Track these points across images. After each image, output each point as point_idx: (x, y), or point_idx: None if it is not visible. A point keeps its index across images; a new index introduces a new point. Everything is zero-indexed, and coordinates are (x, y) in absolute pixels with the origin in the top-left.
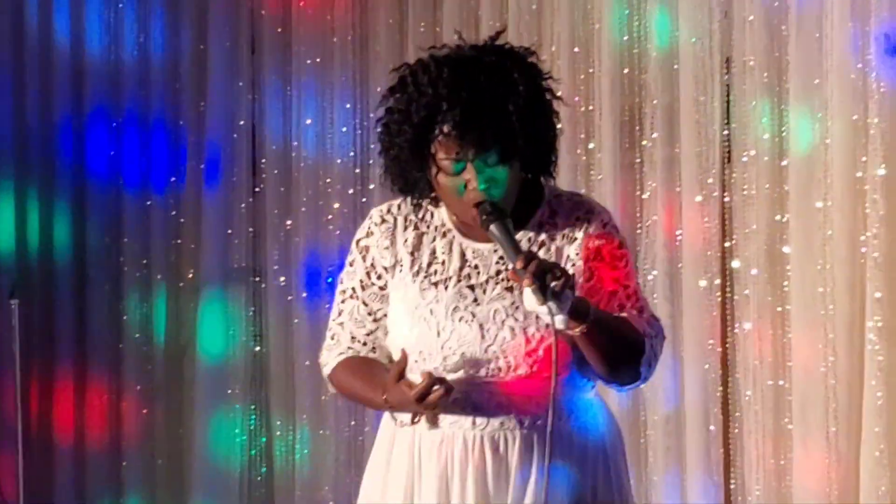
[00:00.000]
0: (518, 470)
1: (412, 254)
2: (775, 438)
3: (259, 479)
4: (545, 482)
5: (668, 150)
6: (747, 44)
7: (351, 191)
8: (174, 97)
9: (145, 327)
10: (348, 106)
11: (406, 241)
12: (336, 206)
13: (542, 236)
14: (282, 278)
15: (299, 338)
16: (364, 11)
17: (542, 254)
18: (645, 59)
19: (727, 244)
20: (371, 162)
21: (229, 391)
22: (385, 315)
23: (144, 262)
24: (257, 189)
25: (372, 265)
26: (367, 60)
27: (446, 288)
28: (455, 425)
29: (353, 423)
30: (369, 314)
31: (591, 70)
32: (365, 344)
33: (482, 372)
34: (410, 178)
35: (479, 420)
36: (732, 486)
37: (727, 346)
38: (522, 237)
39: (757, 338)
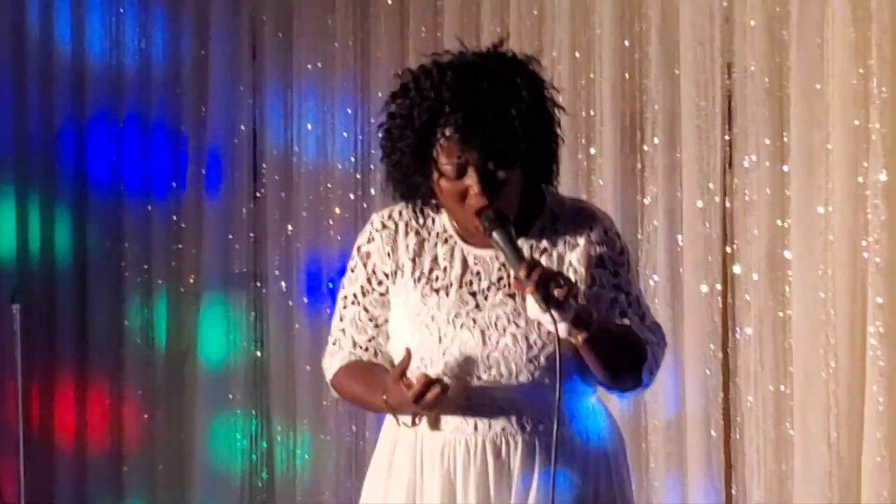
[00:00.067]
0: (520, 475)
1: (413, 260)
2: (776, 444)
3: (260, 484)
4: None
5: (669, 156)
6: (748, 49)
7: (352, 196)
8: (175, 102)
9: (146, 332)
10: (349, 111)
11: (407, 246)
12: (337, 211)
13: (544, 243)
14: (282, 283)
15: (300, 343)
16: (365, 17)
17: (544, 260)
18: (646, 65)
19: (728, 249)
20: (372, 167)
21: (230, 396)
22: (386, 321)
23: (145, 266)
24: (258, 194)
25: (373, 271)
26: (368, 66)
27: (448, 294)
28: (457, 430)
29: (353, 428)
30: (370, 320)
31: (591, 75)
32: (366, 350)
33: (483, 378)
34: (412, 183)
35: (480, 425)
36: (733, 492)
37: (728, 351)
38: (524, 244)
39: (758, 343)
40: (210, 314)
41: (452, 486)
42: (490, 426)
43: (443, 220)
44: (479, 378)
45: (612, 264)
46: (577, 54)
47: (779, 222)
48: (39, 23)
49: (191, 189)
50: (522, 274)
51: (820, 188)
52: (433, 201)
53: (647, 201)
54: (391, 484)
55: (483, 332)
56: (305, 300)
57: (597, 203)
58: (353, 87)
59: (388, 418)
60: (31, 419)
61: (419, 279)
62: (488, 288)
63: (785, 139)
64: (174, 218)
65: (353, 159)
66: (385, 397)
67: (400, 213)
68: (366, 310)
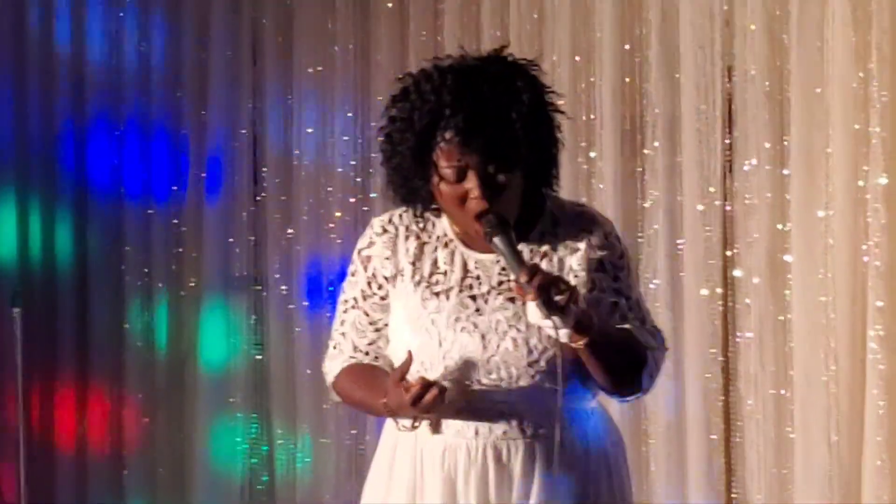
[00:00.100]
0: (521, 478)
1: (414, 264)
2: (777, 447)
3: (260, 487)
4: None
5: (669, 159)
6: (749, 52)
7: (352, 199)
8: (175, 106)
9: (147, 335)
10: (349, 114)
11: (408, 250)
12: (337, 214)
13: (545, 247)
14: (283, 287)
15: (300, 346)
16: (365, 20)
17: (544, 265)
18: (646, 68)
19: (729, 253)
20: (372, 170)
21: (231, 399)
22: (387, 324)
23: (146, 270)
24: (258, 197)
25: (373, 275)
26: (368, 69)
27: (448, 298)
28: (458, 435)
29: (354, 431)
30: (371, 324)
31: (592, 79)
32: (367, 353)
33: (484, 382)
34: (412, 187)
35: (481, 429)
36: (734, 496)
37: (729, 354)
38: (524, 248)
39: (758, 346)
40: (210, 317)
41: (453, 490)
42: (491, 430)
43: (443, 224)
44: (479, 382)
45: (613, 268)
46: (578, 58)
47: (779, 226)
48: (40, 25)
49: (191, 192)
50: (524, 279)
51: (820, 192)
52: (433, 205)
53: (647, 205)
54: (392, 487)
55: (483, 337)
56: (306, 303)
57: (597, 206)
58: (354, 90)
59: (389, 421)
60: (32, 422)
61: (419, 283)
62: (488, 292)
63: (785, 142)
64: (175, 221)
65: (353, 162)
66: (385, 400)
67: (400, 216)
68: (366, 314)
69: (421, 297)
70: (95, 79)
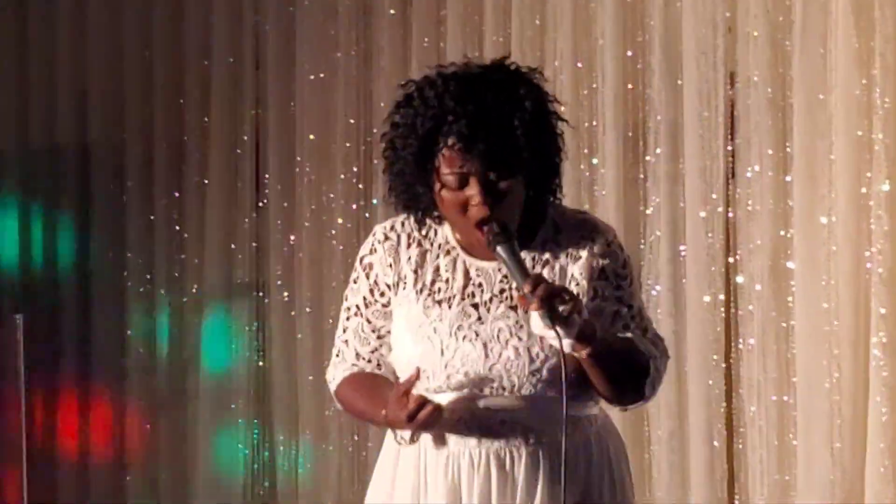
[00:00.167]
0: (525, 486)
1: (416, 271)
2: (779, 454)
3: (262, 493)
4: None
5: (671, 166)
6: (751, 59)
7: (354, 206)
8: (178, 112)
9: (149, 342)
10: (352, 121)
11: (409, 258)
12: (339, 221)
13: (547, 255)
14: (285, 293)
15: (302, 353)
16: (367, 27)
17: (546, 273)
18: (648, 74)
19: (731, 259)
20: (374, 177)
21: (232, 406)
22: (389, 332)
23: (148, 276)
24: (260, 204)
25: (375, 282)
26: (371, 76)
27: (450, 306)
28: (460, 443)
29: (356, 437)
30: (373, 331)
31: (594, 85)
32: (369, 361)
33: (486, 390)
34: (414, 193)
35: (484, 438)
36: (736, 502)
37: (731, 361)
38: (527, 256)
39: (761, 353)
40: (212, 324)
41: (458, 498)
42: (493, 439)
43: (445, 232)
44: (481, 390)
45: (615, 277)
46: (580, 64)
47: (782, 232)
48: (42, 30)
49: (193, 198)
50: (527, 290)
51: (823, 198)
52: (435, 212)
53: (649, 211)
54: (395, 495)
55: (485, 345)
56: (308, 310)
57: (599, 213)
58: (356, 96)
59: (390, 431)
60: (35, 428)
61: (421, 291)
62: (490, 300)
63: (788, 149)
64: (177, 228)
65: (355, 169)
66: (385, 412)
67: (402, 224)
68: (368, 321)
69: (423, 305)
70: (98, 85)
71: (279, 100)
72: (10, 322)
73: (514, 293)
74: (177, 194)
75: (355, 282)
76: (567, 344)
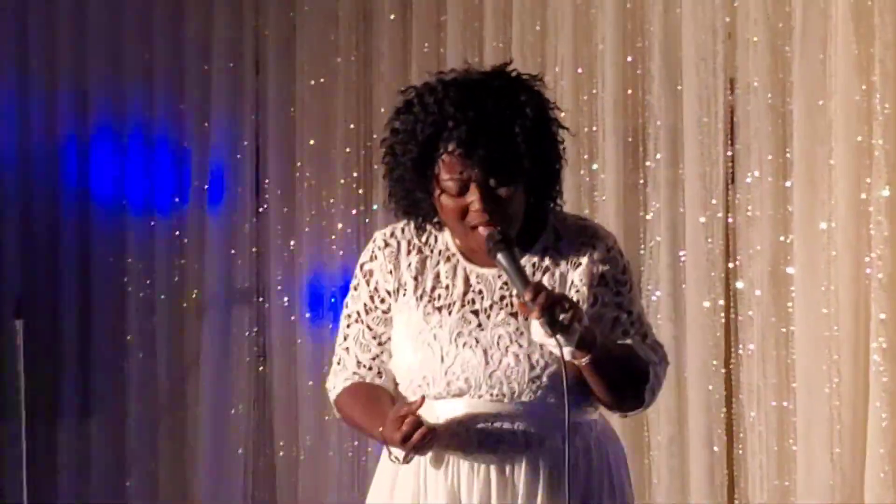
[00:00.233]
0: (524, 492)
1: (416, 278)
2: (779, 460)
3: (262, 499)
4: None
5: (671, 171)
6: (751, 64)
7: (354, 211)
8: (178, 117)
9: (149, 347)
10: (352, 126)
11: (410, 264)
12: (339, 226)
13: (547, 261)
14: (285, 298)
15: (302, 358)
16: (367, 32)
17: (546, 279)
18: (648, 80)
19: (731, 265)
20: (374, 182)
21: (232, 411)
22: (390, 338)
23: (148, 281)
24: (261, 209)
25: (375, 289)
26: (371, 81)
27: (450, 313)
28: (460, 449)
29: (356, 443)
30: (374, 338)
31: (594, 91)
32: (370, 368)
33: (486, 397)
34: (414, 199)
35: (484, 444)
36: None
37: (731, 367)
38: (527, 262)
39: (761, 359)
40: (212, 329)
41: (457, 503)
42: (493, 445)
43: (445, 238)
44: (481, 397)
45: (615, 283)
46: (580, 70)
47: (781, 238)
48: (42, 35)
49: (194, 204)
50: (528, 297)
51: (823, 204)
52: (435, 219)
53: (649, 217)
54: (395, 501)
55: (485, 352)
56: (308, 315)
57: (599, 218)
58: (356, 102)
59: None
60: (35, 432)
61: (421, 297)
62: (490, 307)
63: (788, 155)
64: (177, 233)
65: (355, 174)
66: (382, 429)
67: (402, 230)
68: (369, 328)
69: (423, 311)
70: (98, 90)
71: (279, 104)
72: (10, 327)
73: (515, 300)
74: (177, 199)
75: (356, 289)
76: (567, 352)
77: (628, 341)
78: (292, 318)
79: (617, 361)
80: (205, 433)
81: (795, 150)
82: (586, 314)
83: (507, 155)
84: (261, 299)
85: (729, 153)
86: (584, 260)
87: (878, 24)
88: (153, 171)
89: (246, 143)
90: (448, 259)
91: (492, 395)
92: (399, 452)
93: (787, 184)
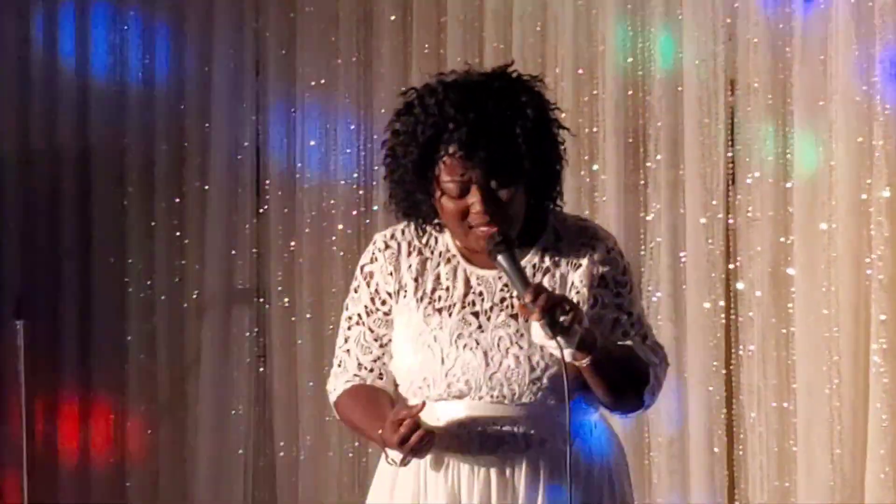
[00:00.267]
0: (525, 493)
1: (416, 279)
2: (780, 460)
3: (262, 499)
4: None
5: (672, 172)
6: (751, 66)
7: (355, 212)
8: (179, 119)
9: (149, 348)
10: (352, 127)
11: (410, 266)
12: (340, 227)
13: (547, 262)
14: (285, 299)
15: (302, 358)
16: (368, 33)
17: (546, 281)
18: (649, 81)
19: (731, 266)
20: (375, 183)
21: (232, 412)
22: (391, 340)
23: (148, 282)
24: (261, 210)
25: (376, 291)
26: (371, 82)
27: (450, 315)
28: (461, 451)
29: (356, 444)
30: (375, 340)
31: (595, 92)
32: (371, 370)
33: (486, 399)
34: (415, 201)
35: (484, 446)
36: None
37: (731, 367)
38: (527, 263)
39: (761, 360)
40: (213, 330)
41: (457, 503)
42: (494, 446)
43: (445, 240)
44: (481, 399)
45: (615, 284)
46: (580, 71)
47: (782, 239)
48: (43, 40)
49: (194, 204)
50: (528, 299)
51: (823, 205)
52: (435, 220)
53: (649, 217)
54: (395, 501)
55: (486, 354)
56: (308, 316)
57: (599, 219)
58: (356, 103)
59: None
60: (35, 434)
61: (422, 299)
62: (491, 308)
63: (788, 156)
64: (177, 233)
65: (356, 175)
66: (380, 432)
67: (402, 232)
68: (370, 330)
69: (423, 313)
70: (99, 91)
71: (280, 106)
72: (10, 327)
73: (515, 302)
74: (177, 200)
75: (356, 291)
76: (568, 353)
77: (628, 342)
78: (292, 318)
79: (617, 363)
80: (205, 433)
81: (796, 151)
82: (586, 315)
83: (508, 156)
84: (261, 300)
85: (729, 154)
86: (584, 261)
87: (878, 25)
88: (153, 172)
89: (246, 143)
90: (448, 261)
91: (492, 396)
92: (396, 455)
93: (788, 185)
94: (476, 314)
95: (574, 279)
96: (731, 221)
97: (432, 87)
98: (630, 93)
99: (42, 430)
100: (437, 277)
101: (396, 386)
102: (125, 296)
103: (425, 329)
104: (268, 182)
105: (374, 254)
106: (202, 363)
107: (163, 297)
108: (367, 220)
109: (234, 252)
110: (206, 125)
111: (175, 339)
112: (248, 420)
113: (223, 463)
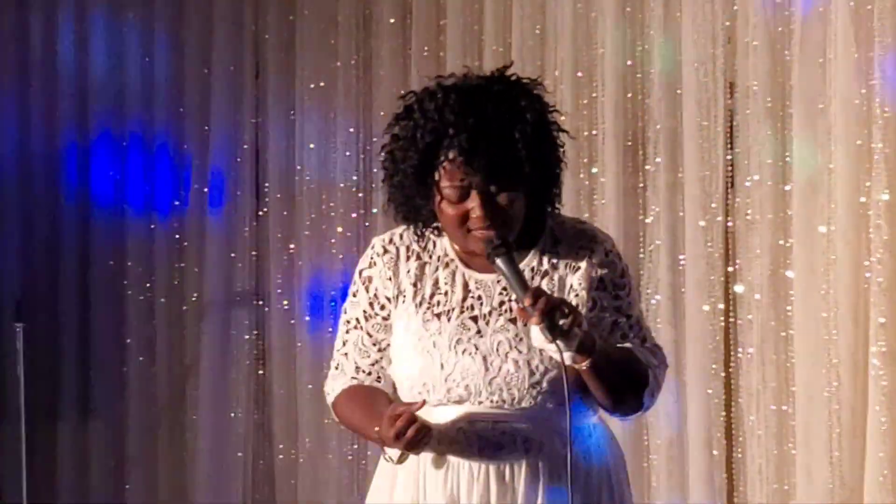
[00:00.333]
0: (524, 497)
1: (415, 284)
2: (778, 463)
3: (261, 501)
4: None
5: (671, 175)
6: (750, 68)
7: (354, 215)
8: (178, 121)
9: (149, 350)
10: (351, 130)
11: (409, 271)
12: (339, 229)
13: (545, 265)
14: (285, 302)
15: (302, 361)
16: (367, 36)
17: (545, 284)
18: (648, 84)
19: (730, 269)
20: (374, 186)
21: (232, 414)
22: (389, 345)
23: (148, 285)
24: (261, 212)
25: (375, 295)
26: (371, 84)
27: (449, 319)
28: (460, 455)
29: (355, 446)
30: (373, 344)
31: (594, 95)
32: (369, 374)
33: (486, 403)
34: (414, 205)
35: (484, 450)
36: None
37: (730, 370)
38: (525, 266)
39: (760, 362)
40: (212, 332)
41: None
42: (493, 451)
43: (444, 244)
44: (481, 403)
45: (614, 287)
46: (580, 73)
47: (781, 242)
48: (43, 42)
49: (193, 207)
50: (527, 303)
51: (822, 208)
52: (434, 224)
53: (648, 220)
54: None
55: (485, 358)
56: (307, 318)
57: (598, 222)
58: (356, 105)
59: None
60: (35, 436)
61: (420, 304)
62: (490, 313)
63: (787, 159)
64: (177, 236)
65: (355, 178)
66: (378, 429)
67: (401, 236)
68: (368, 334)
69: (422, 318)
70: (99, 94)
71: (279, 108)
72: (10, 329)
73: (514, 305)
74: (177, 202)
75: (354, 295)
76: (567, 356)
77: (627, 345)
78: (292, 321)
79: (616, 365)
80: (204, 436)
81: (795, 154)
82: (585, 318)
83: (508, 161)
84: (260, 302)
85: (728, 157)
86: (583, 264)
87: (877, 28)
88: (153, 174)
89: (246, 146)
90: (447, 265)
91: (492, 401)
92: (394, 452)
93: (787, 187)
94: (475, 318)
95: (573, 282)
96: (730, 224)
97: (432, 90)
98: (629, 95)
99: (42, 432)
100: (436, 282)
101: (394, 389)
102: (125, 298)
103: (424, 334)
104: (267, 184)
105: (372, 258)
106: (202, 365)
107: (162, 300)
108: (367, 223)
109: (233, 255)
110: (206, 127)
111: (174, 342)
112: (247, 422)
113: (223, 465)
